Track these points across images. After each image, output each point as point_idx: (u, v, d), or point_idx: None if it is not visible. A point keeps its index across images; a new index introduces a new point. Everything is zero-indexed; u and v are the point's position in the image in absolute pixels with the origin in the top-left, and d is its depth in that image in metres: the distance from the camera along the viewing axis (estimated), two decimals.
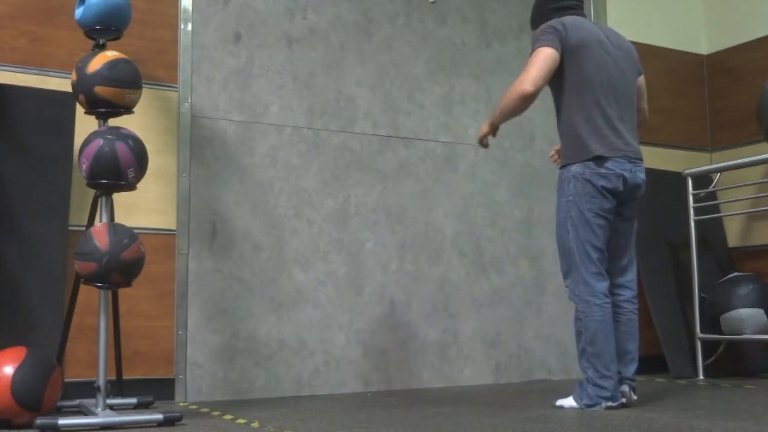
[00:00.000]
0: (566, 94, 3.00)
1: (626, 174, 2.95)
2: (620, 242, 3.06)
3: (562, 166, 3.02)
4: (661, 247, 4.44)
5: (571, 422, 2.58)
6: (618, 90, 3.01)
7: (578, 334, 2.94)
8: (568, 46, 2.96)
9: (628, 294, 3.06)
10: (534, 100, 2.94)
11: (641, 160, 3.05)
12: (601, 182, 2.92)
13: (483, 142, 3.17)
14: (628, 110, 3.04)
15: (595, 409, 2.86)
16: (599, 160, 2.93)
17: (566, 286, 2.99)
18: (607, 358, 2.87)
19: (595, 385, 2.88)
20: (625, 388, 2.98)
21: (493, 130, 3.12)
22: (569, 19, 3.02)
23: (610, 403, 2.86)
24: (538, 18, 3.13)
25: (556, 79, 3.00)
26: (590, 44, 2.98)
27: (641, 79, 3.18)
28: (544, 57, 2.92)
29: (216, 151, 3.56)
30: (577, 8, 3.13)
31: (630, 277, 3.08)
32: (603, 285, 2.93)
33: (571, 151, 2.99)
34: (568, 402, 2.95)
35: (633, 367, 3.01)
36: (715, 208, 4.53)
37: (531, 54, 2.98)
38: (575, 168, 2.96)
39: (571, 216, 2.94)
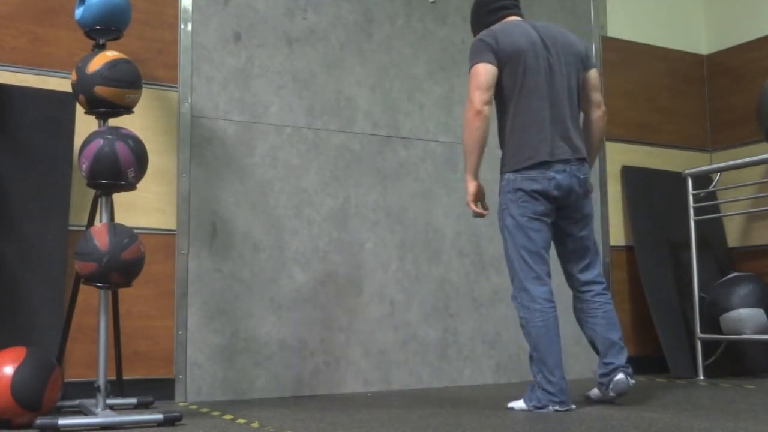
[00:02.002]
0: (501, 103, 3.02)
1: (558, 176, 2.93)
2: (578, 244, 3.05)
3: (501, 174, 3.03)
4: (661, 247, 4.44)
5: (572, 422, 2.59)
6: (554, 92, 2.99)
7: (526, 340, 2.95)
8: (501, 56, 2.95)
9: (598, 288, 3.05)
10: (488, 117, 2.91)
11: (580, 159, 3.00)
12: (533, 186, 2.92)
13: (476, 208, 3.00)
14: (566, 110, 3.00)
15: (543, 411, 2.85)
16: (531, 167, 2.93)
17: (512, 294, 3.00)
18: (550, 363, 2.86)
19: (543, 389, 2.87)
20: (621, 375, 2.96)
21: (476, 182, 2.98)
22: (499, 27, 3.02)
23: (557, 408, 2.85)
24: (476, 22, 3.16)
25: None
26: (522, 50, 2.96)
27: (592, 72, 3.13)
28: (482, 73, 2.93)
29: (216, 151, 3.56)
30: (512, 8, 3.12)
31: (596, 272, 3.06)
32: (542, 289, 2.92)
33: (507, 160, 3.00)
34: (519, 404, 2.96)
35: (623, 356, 2.99)
36: (715, 208, 4.53)
37: (469, 73, 2.99)
38: (508, 176, 2.97)
39: (507, 224, 2.97)
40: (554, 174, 2.93)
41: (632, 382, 2.99)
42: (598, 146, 3.22)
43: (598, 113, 3.16)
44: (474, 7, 3.19)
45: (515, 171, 2.95)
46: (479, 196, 3.02)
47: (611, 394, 2.98)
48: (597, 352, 3.05)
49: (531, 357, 2.92)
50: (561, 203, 2.98)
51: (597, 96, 3.15)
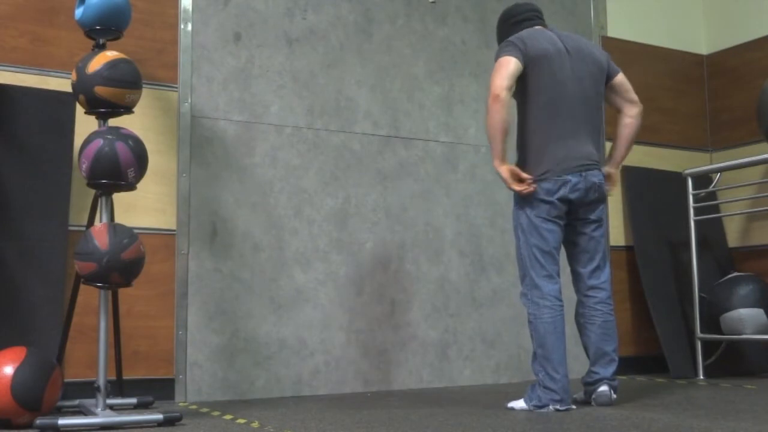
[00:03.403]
0: (523, 107, 3.04)
1: (573, 179, 2.95)
2: (589, 245, 3.06)
3: None
4: (661, 247, 4.44)
5: (572, 422, 2.59)
6: (576, 98, 3.02)
7: (531, 337, 2.96)
8: (527, 59, 2.98)
9: (602, 295, 3.05)
10: (507, 102, 2.92)
11: (595, 165, 3.03)
12: (547, 185, 2.94)
13: (520, 186, 2.94)
14: (587, 117, 3.04)
15: (543, 411, 2.86)
16: (547, 172, 2.96)
17: (521, 292, 3.01)
18: (555, 360, 2.87)
19: (545, 387, 2.88)
20: (604, 388, 2.98)
21: (506, 164, 2.95)
22: (526, 33, 3.06)
23: (558, 407, 2.85)
24: (502, 34, 3.19)
25: (516, 93, 3.04)
26: (548, 55, 3.01)
27: (620, 76, 3.18)
28: (506, 64, 2.95)
29: (216, 151, 3.56)
30: (537, 19, 3.18)
31: (603, 278, 3.07)
32: (553, 287, 2.94)
33: (525, 162, 3.01)
34: (519, 404, 2.96)
35: (612, 368, 3.01)
36: (715, 208, 4.53)
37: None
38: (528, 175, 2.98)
39: (521, 223, 2.99)
40: (570, 177, 2.95)
41: (614, 396, 3.00)
42: (633, 141, 3.25)
43: (636, 110, 3.20)
44: (500, 19, 3.23)
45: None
46: (516, 175, 2.96)
47: (593, 404, 3.00)
48: (589, 358, 3.07)
49: (534, 354, 2.93)
50: (575, 206, 3.00)
51: (633, 95, 3.20)
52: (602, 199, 3.07)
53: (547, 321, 2.90)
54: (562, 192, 2.95)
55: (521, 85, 3.02)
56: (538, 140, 2.99)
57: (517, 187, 2.95)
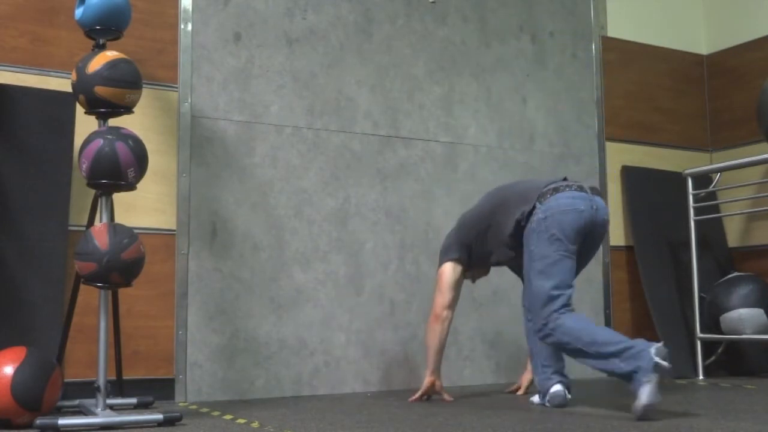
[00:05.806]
0: (493, 232, 3.11)
1: (586, 213, 2.83)
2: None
3: (527, 223, 2.91)
4: (661, 247, 4.44)
5: (572, 422, 2.59)
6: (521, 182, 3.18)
7: (561, 348, 2.85)
8: (470, 239, 3.19)
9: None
10: (447, 320, 3.22)
11: (593, 189, 2.96)
12: (565, 218, 2.83)
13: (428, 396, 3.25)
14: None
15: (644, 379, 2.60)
16: (551, 194, 2.88)
17: (528, 325, 3.09)
18: (603, 338, 2.67)
19: (621, 359, 2.61)
20: (560, 387, 3.05)
21: (433, 378, 3.26)
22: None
23: (652, 350, 2.56)
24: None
25: (479, 240, 3.16)
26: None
27: None
28: (446, 273, 3.22)
29: (216, 151, 3.56)
30: None
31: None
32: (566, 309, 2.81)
33: (520, 212, 2.95)
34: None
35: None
36: (715, 208, 4.53)
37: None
38: (537, 215, 2.87)
39: (534, 267, 2.85)
40: (583, 208, 2.83)
41: (569, 396, 3.06)
42: None
43: None
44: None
45: (540, 205, 2.87)
46: (433, 391, 3.28)
47: (548, 405, 3.03)
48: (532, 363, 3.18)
49: (577, 352, 2.73)
50: (587, 234, 2.89)
51: None
52: (603, 236, 3.00)
53: (569, 322, 2.74)
54: (581, 221, 2.82)
55: (479, 234, 3.15)
56: (514, 198, 3.01)
57: (423, 392, 3.25)
